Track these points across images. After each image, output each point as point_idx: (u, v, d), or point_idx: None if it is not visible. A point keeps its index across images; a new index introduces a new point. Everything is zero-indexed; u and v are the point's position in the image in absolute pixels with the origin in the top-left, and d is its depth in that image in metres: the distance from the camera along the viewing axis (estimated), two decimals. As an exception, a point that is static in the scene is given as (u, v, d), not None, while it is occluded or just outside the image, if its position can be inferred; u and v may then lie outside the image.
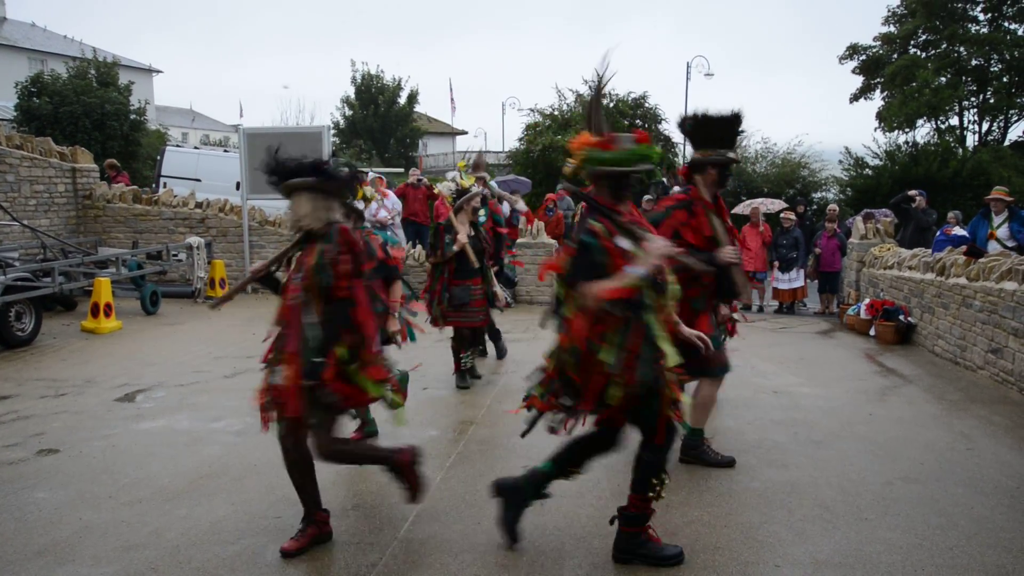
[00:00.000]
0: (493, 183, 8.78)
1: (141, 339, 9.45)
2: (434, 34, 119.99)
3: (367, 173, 17.86)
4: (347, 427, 5.22)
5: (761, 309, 13.10)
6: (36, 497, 4.60)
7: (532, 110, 25.13)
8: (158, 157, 19.12)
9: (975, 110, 31.04)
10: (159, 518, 4.30)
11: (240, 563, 3.80)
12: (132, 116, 23.74)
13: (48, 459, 5.25)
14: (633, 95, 24.23)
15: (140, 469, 5.05)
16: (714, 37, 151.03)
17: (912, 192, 12.43)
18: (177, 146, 23.29)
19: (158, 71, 45.63)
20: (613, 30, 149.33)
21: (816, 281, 13.22)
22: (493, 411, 6.49)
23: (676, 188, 11.64)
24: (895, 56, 31.20)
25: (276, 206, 15.26)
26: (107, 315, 9.78)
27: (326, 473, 4.97)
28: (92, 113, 22.00)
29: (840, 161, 24.80)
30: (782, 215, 13.10)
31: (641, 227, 3.69)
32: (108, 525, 4.21)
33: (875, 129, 31.37)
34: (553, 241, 13.13)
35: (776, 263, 12.89)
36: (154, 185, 18.13)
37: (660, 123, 24.50)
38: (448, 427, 6.01)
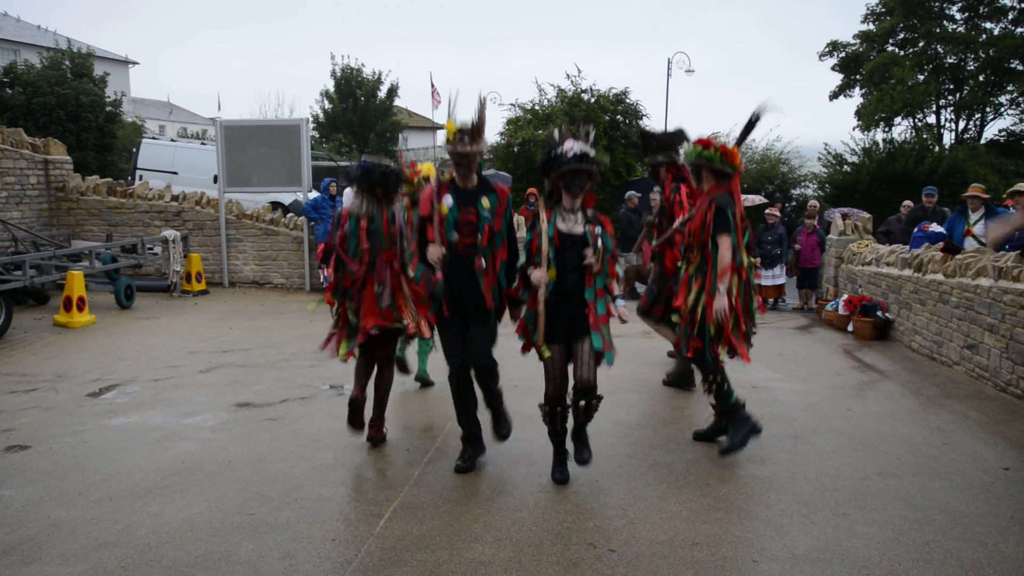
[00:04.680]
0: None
1: (115, 333, 9.31)
2: (415, 28, 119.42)
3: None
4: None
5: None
6: (3, 495, 4.49)
7: (513, 105, 25.00)
8: (134, 149, 18.87)
9: (951, 108, 31.34)
10: (130, 515, 4.22)
11: (213, 561, 3.73)
12: (108, 108, 23.41)
13: (17, 456, 5.14)
14: (614, 90, 24.18)
15: (111, 465, 4.96)
16: (692, 35, 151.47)
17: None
18: (153, 138, 22.97)
19: (134, 63, 45.04)
20: (594, 24, 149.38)
21: (795, 277, 13.28)
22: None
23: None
24: (874, 54, 31.41)
25: (254, 199, 15.15)
26: (80, 309, 9.63)
27: (301, 468, 4.93)
28: (67, 104, 21.68)
29: (819, 158, 24.96)
30: (766, 212, 13.14)
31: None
32: (77, 523, 4.12)
33: (853, 128, 31.60)
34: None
35: (759, 259, 12.92)
36: (130, 178, 17.90)
37: (641, 119, 24.47)
38: (426, 423, 5.96)
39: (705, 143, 5.19)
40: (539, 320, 4.52)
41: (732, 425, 5.21)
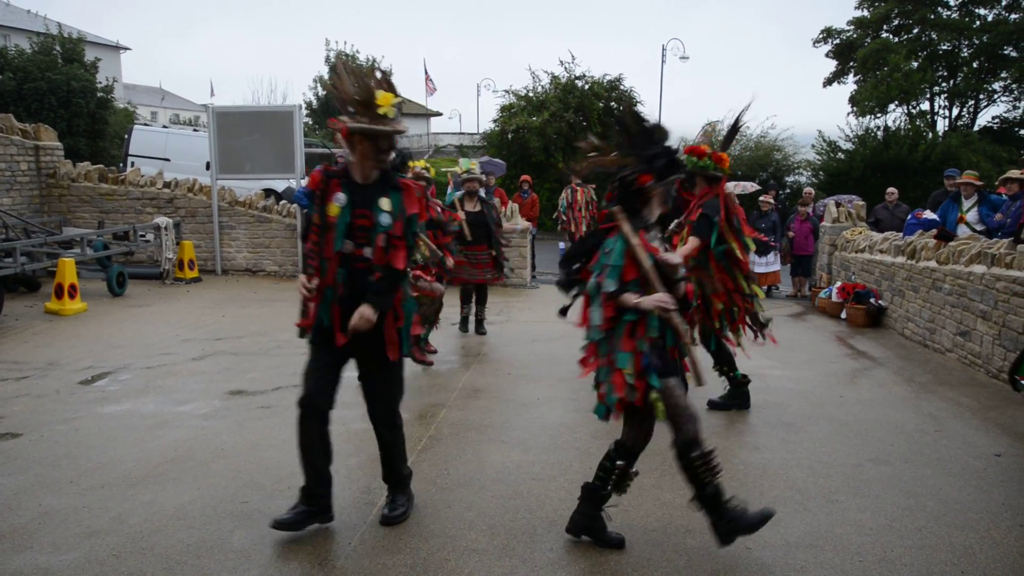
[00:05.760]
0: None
1: (107, 321, 9.26)
2: (408, 14, 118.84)
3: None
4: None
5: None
6: (-6, 482, 4.48)
7: (507, 91, 24.91)
8: (126, 136, 18.76)
9: (945, 95, 31.34)
10: (122, 503, 4.20)
11: (205, 549, 3.72)
12: (99, 94, 23.24)
13: (8, 443, 5.11)
14: (608, 77, 24.12)
15: (103, 453, 4.94)
16: (698, 26, 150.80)
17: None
18: (145, 125, 22.83)
19: (126, 48, 44.83)
20: (584, 12, 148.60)
21: (789, 265, 13.28)
22: (465, 394, 6.44)
23: None
24: (868, 40, 31.37)
25: (246, 186, 15.08)
26: (72, 296, 9.57)
27: (294, 456, 4.89)
28: (57, 90, 21.53)
29: (813, 145, 24.97)
30: (760, 199, 13.13)
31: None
32: (69, 511, 4.11)
33: (848, 114, 31.61)
34: (528, 223, 13.06)
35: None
36: (121, 164, 17.79)
37: (635, 106, 24.41)
38: (419, 410, 5.95)
39: (699, 152, 5.60)
40: (692, 358, 3.57)
41: (733, 391, 6.11)
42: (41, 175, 13.19)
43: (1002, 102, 30.79)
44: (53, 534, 3.85)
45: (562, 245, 16.44)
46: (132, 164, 16.82)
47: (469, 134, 38.48)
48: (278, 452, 5.00)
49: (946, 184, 11.18)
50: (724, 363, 6.05)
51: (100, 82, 23.60)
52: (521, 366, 7.39)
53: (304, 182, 13.46)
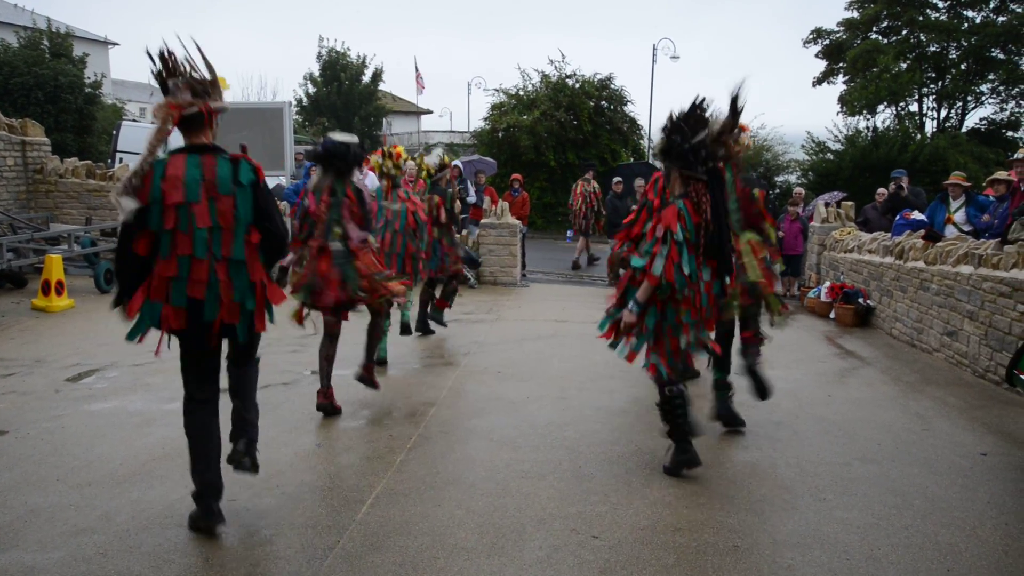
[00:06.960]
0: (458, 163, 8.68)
1: (94, 318, 9.19)
2: (399, 12, 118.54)
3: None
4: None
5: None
6: (-20, 480, 4.44)
7: (497, 90, 24.88)
8: (114, 132, 18.66)
9: (933, 97, 31.49)
10: (109, 501, 4.18)
11: (193, 548, 3.70)
12: (87, 89, 23.07)
13: (-6, 441, 5.08)
14: (599, 76, 24.12)
15: (90, 451, 4.91)
16: (693, 23, 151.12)
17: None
18: (134, 121, 22.71)
19: (115, 43, 44.44)
20: (582, 11, 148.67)
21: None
22: (454, 393, 6.44)
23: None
24: (858, 41, 31.48)
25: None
26: (59, 293, 9.50)
27: (283, 453, 4.90)
28: (45, 85, 21.35)
29: (803, 145, 25.06)
30: None
31: None
32: (55, 509, 4.08)
33: (837, 113, 31.74)
34: (517, 221, 13.07)
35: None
36: (109, 160, 17.68)
37: (625, 104, 24.44)
38: (409, 409, 5.95)
39: None
40: None
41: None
42: (28, 171, 13.09)
43: (990, 104, 30.96)
44: (39, 532, 3.83)
45: (570, 233, 16.92)
46: (120, 160, 16.74)
47: (460, 132, 38.44)
48: (266, 450, 4.95)
49: (892, 184, 11.37)
50: None
51: (88, 77, 23.42)
52: (510, 365, 7.39)
53: (294, 179, 13.43)
